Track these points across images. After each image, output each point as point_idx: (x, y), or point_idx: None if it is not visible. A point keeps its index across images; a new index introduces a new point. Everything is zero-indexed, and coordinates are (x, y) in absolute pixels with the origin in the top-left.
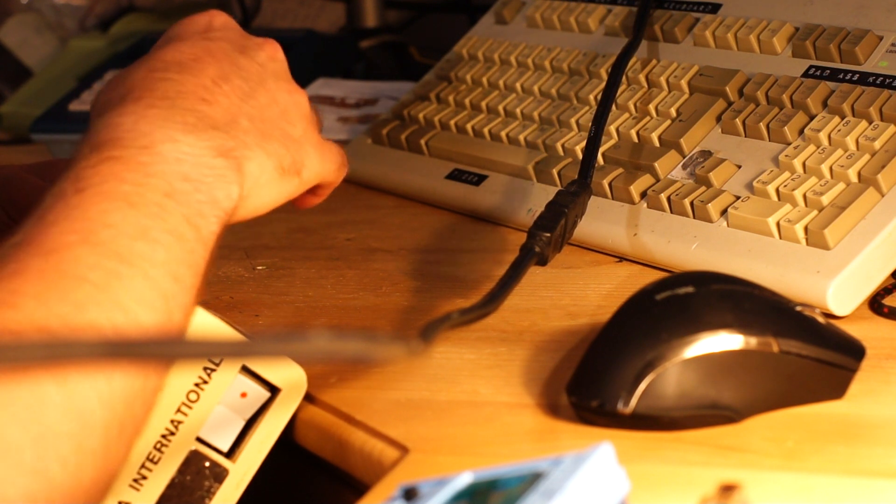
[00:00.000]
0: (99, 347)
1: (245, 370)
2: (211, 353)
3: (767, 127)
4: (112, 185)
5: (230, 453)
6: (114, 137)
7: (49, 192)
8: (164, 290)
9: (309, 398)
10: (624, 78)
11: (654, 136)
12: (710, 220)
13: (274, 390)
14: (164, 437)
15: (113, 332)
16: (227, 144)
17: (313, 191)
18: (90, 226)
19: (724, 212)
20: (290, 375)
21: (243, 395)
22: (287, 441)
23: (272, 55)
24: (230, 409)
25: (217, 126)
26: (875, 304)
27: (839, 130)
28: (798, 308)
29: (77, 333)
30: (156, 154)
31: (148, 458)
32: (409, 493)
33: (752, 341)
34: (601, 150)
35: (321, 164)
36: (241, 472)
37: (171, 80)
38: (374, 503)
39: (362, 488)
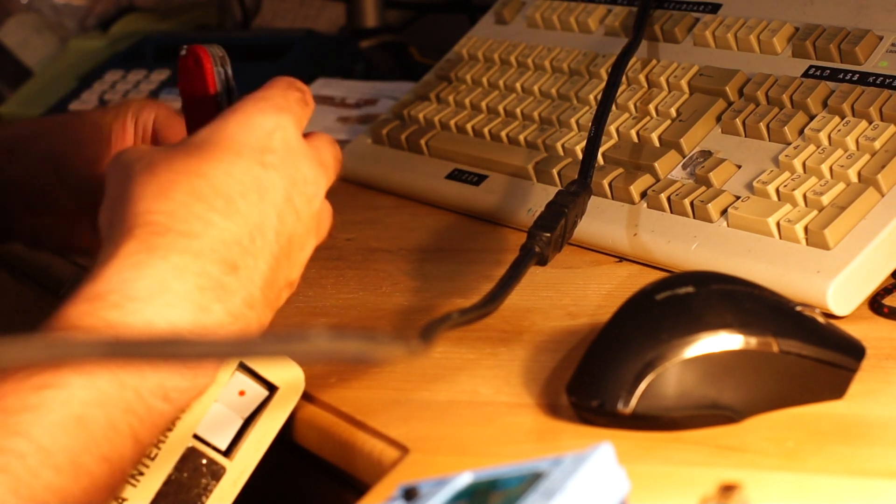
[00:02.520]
0: (99, 347)
1: (243, 368)
2: (211, 353)
3: (767, 127)
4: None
5: (227, 451)
6: (105, 291)
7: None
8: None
9: (309, 398)
10: (624, 78)
11: (654, 136)
12: (710, 220)
13: (272, 389)
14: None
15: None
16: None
17: None
18: None
19: (724, 212)
20: (288, 374)
21: (241, 393)
22: (287, 441)
23: (317, 192)
24: (228, 407)
25: (226, 299)
26: (875, 304)
27: (839, 130)
28: (798, 308)
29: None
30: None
31: (145, 455)
32: (409, 493)
33: (752, 341)
34: (601, 150)
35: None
36: (239, 470)
37: (211, 224)
38: (374, 503)
39: (362, 488)
